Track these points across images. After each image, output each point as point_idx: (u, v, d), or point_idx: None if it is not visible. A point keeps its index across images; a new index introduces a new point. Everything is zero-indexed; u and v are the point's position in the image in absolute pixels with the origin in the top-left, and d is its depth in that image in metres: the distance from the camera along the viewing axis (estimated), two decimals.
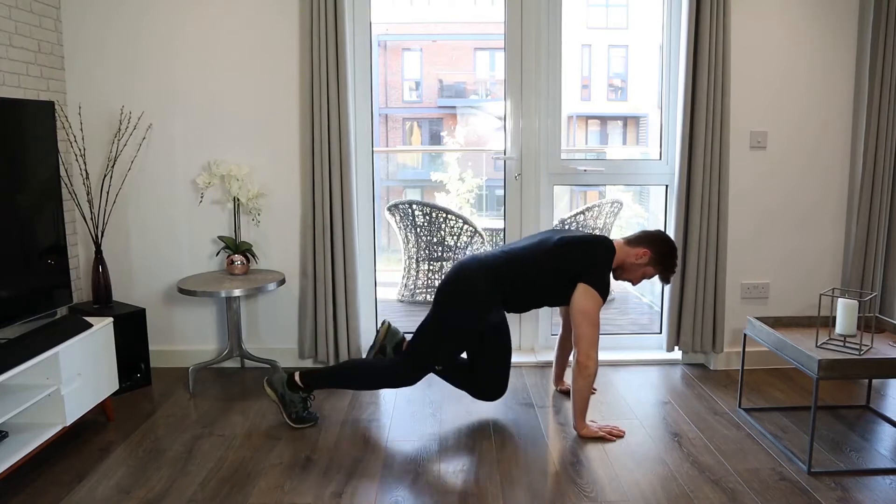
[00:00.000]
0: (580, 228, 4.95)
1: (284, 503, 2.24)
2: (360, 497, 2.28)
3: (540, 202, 3.53)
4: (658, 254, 2.77)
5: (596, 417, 2.89)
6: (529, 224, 3.52)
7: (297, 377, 2.78)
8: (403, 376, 2.74)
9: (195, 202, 3.39)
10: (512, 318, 3.61)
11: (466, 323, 2.70)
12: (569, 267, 2.67)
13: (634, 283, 2.85)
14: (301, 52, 3.26)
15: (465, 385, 2.93)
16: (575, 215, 4.94)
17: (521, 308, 2.83)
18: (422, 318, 2.80)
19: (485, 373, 2.88)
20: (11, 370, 2.25)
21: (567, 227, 4.87)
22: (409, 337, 2.86)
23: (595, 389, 3.14)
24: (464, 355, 2.93)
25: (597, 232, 4.97)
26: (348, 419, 2.90)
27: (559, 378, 3.21)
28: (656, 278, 2.86)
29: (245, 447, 2.64)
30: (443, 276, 2.82)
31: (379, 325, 2.96)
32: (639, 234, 2.82)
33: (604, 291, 2.67)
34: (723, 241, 3.31)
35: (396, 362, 2.78)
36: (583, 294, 2.65)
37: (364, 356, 2.91)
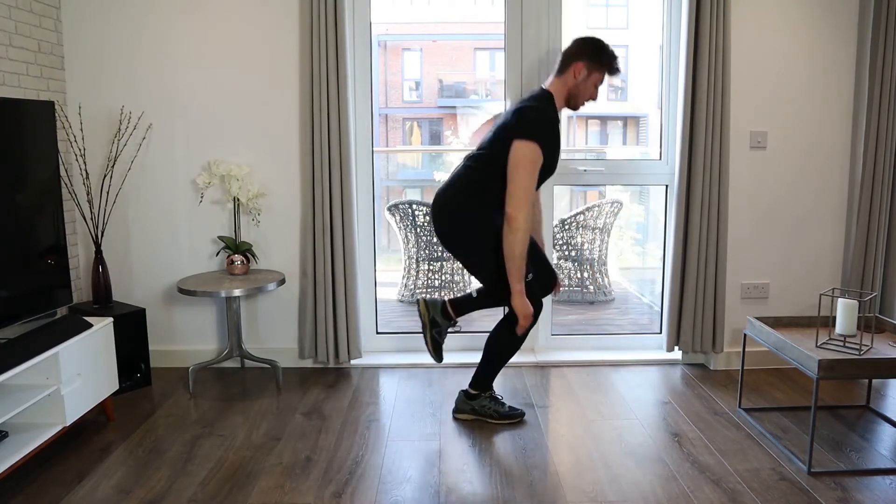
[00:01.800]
0: (576, 222, 4.94)
1: (284, 503, 2.24)
2: (360, 497, 2.28)
3: (540, 202, 3.52)
4: (590, 57, 2.67)
5: (596, 417, 2.89)
6: None
7: (471, 390, 2.87)
8: (519, 305, 2.65)
9: (195, 202, 3.39)
10: None
11: (485, 229, 2.66)
12: (512, 135, 2.58)
13: (594, 98, 2.75)
14: (301, 52, 3.26)
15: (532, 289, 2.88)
16: (575, 215, 4.94)
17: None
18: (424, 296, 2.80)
19: (540, 267, 2.87)
20: (11, 370, 2.25)
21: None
22: (446, 296, 2.90)
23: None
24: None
25: (596, 232, 4.97)
26: (348, 419, 2.90)
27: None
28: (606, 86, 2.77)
29: (245, 447, 2.64)
30: (429, 216, 2.77)
31: (418, 312, 2.92)
32: (562, 57, 2.72)
33: (542, 139, 2.55)
34: (723, 241, 3.31)
35: (510, 315, 2.73)
36: (517, 147, 2.54)
37: (426, 343, 2.91)
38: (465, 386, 2.92)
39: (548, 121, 2.62)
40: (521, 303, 2.64)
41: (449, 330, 2.93)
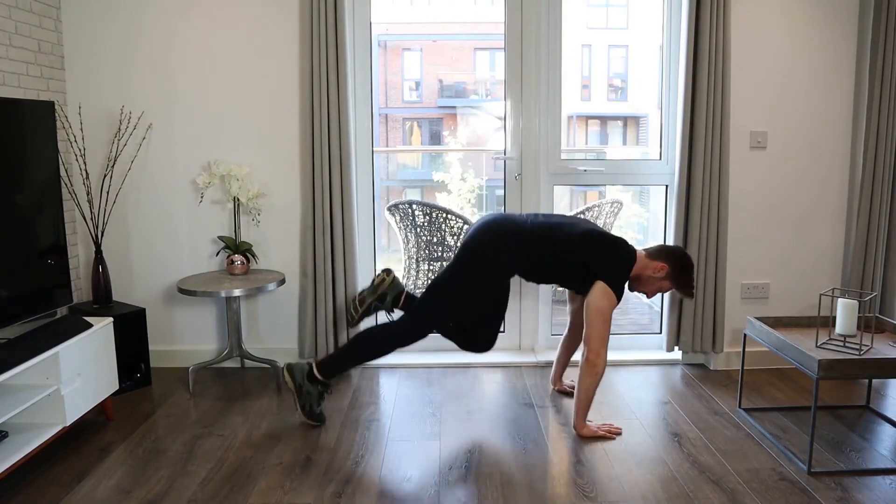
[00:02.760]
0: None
1: (284, 503, 2.24)
2: (360, 497, 2.28)
3: (540, 202, 3.53)
4: (676, 269, 2.79)
5: (596, 418, 2.88)
6: None
7: (315, 370, 2.78)
8: (417, 331, 2.77)
9: (195, 202, 3.39)
10: (512, 319, 3.62)
11: (489, 288, 2.77)
12: (593, 261, 2.70)
13: (649, 295, 2.87)
14: (301, 52, 3.26)
15: (455, 337, 3.00)
16: (575, 215, 4.93)
17: (533, 280, 2.87)
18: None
19: (484, 327, 2.96)
20: (11, 370, 2.25)
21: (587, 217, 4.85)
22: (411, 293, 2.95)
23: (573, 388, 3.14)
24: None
25: None
26: (348, 419, 2.90)
27: (558, 378, 3.21)
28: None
29: (245, 447, 2.64)
30: (472, 232, 2.80)
31: (378, 274, 2.93)
32: (658, 248, 2.85)
33: (619, 293, 2.70)
34: (723, 241, 3.31)
35: (407, 320, 2.79)
36: (601, 292, 2.67)
37: (358, 295, 2.92)
38: (467, 385, 2.92)
39: (625, 282, 2.75)
40: (588, 431, 2.73)
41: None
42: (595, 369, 2.67)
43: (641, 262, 2.79)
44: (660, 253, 2.82)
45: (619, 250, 2.76)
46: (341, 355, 2.84)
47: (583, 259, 2.70)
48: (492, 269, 2.74)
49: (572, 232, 2.73)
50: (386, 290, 2.92)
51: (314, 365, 2.78)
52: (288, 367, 2.81)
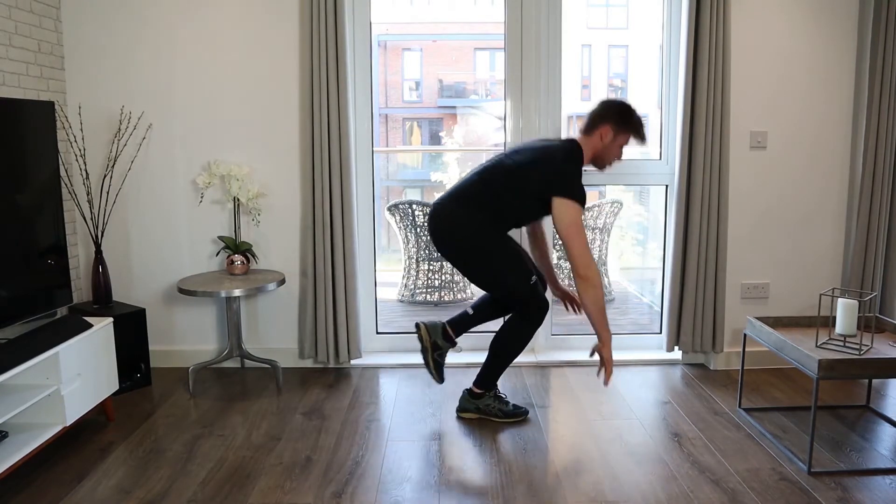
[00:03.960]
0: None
1: (284, 503, 2.24)
2: (360, 497, 2.28)
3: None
4: (618, 122, 2.69)
5: (596, 417, 2.89)
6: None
7: (476, 389, 2.86)
8: (533, 314, 2.74)
9: (195, 202, 3.39)
10: None
11: (492, 243, 2.70)
12: (539, 189, 2.64)
13: (620, 158, 2.78)
14: (301, 52, 3.26)
15: (492, 315, 2.95)
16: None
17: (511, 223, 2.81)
18: (421, 319, 2.81)
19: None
20: (11, 370, 2.25)
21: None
22: (445, 318, 2.93)
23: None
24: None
25: (597, 232, 4.97)
26: (348, 419, 2.90)
27: (553, 283, 3.11)
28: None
29: (245, 447, 2.64)
30: (427, 227, 2.81)
31: (419, 336, 2.92)
32: (589, 118, 2.74)
33: (580, 197, 2.62)
34: (723, 241, 3.31)
35: (517, 315, 2.77)
36: (563, 208, 2.60)
37: (425, 364, 2.92)
38: (467, 385, 2.92)
39: (581, 181, 2.67)
40: (608, 353, 2.70)
41: (449, 352, 2.93)
42: (591, 281, 2.60)
43: (587, 143, 2.71)
44: (594, 120, 2.72)
45: (554, 162, 2.66)
46: (490, 367, 2.84)
47: (529, 190, 2.65)
48: (472, 232, 2.69)
49: (504, 173, 2.69)
50: (432, 339, 2.88)
51: (474, 388, 2.87)
52: (459, 409, 2.91)
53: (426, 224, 4.73)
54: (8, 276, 2.52)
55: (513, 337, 2.80)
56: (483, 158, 3.04)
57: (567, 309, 3.10)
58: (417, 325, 2.90)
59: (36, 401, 2.39)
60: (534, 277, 2.74)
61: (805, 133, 3.39)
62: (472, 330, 2.94)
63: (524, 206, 2.71)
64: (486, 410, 2.86)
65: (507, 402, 2.89)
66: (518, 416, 2.87)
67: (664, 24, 3.41)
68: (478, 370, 2.87)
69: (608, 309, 4.94)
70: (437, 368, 2.90)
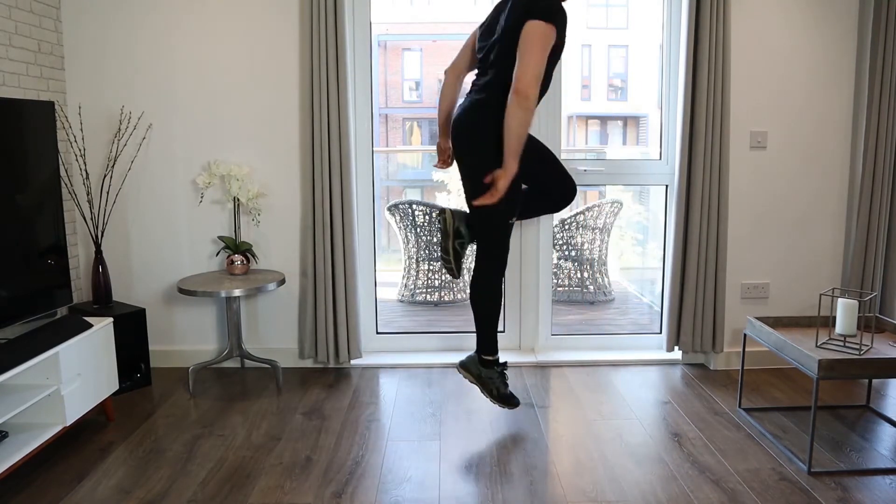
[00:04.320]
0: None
1: (284, 503, 2.24)
2: (360, 497, 2.28)
3: None
4: None
5: (596, 417, 2.89)
6: (530, 224, 3.52)
7: (484, 356, 2.80)
8: (500, 255, 2.71)
9: (195, 202, 3.39)
10: (512, 318, 3.62)
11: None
12: (515, 24, 2.50)
13: None
14: (301, 52, 3.26)
15: (539, 208, 2.91)
16: (575, 215, 4.94)
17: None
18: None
19: (551, 181, 2.82)
20: (11, 370, 2.25)
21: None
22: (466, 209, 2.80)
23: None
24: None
25: (597, 232, 4.97)
26: (348, 419, 2.90)
27: (445, 133, 2.92)
28: None
29: (245, 447, 2.64)
30: (451, 140, 2.69)
31: (437, 216, 2.81)
32: None
33: (553, 15, 2.48)
34: (723, 241, 3.31)
35: (484, 257, 2.71)
36: (530, 28, 2.45)
37: (441, 249, 2.80)
38: (467, 383, 2.91)
39: (558, 1, 2.54)
40: (504, 184, 2.52)
41: (506, 374, 2.87)
42: (528, 102, 2.44)
43: None
44: None
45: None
46: (479, 328, 2.81)
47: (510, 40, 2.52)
48: (491, 152, 2.58)
49: (498, 47, 2.58)
50: (456, 225, 2.77)
51: (478, 354, 2.81)
52: (462, 364, 2.84)
53: (428, 222, 4.72)
54: (8, 276, 2.52)
55: (484, 283, 2.75)
56: None
57: (437, 163, 2.97)
58: (442, 210, 2.79)
59: (36, 401, 2.39)
60: (514, 218, 2.73)
61: (805, 133, 3.39)
62: (465, 330, 2.90)
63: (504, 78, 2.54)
64: (485, 382, 2.81)
65: (507, 385, 2.85)
66: (509, 403, 2.83)
67: (664, 24, 3.41)
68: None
69: (608, 309, 4.98)
70: (455, 259, 2.76)
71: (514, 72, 2.47)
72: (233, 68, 3.30)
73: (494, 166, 2.56)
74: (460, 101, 2.79)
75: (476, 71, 2.78)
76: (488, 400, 2.85)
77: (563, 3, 2.60)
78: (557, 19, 2.51)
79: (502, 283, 2.80)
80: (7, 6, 2.85)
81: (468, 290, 2.79)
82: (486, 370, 2.82)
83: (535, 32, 2.46)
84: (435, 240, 4.80)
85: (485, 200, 2.56)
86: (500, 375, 2.84)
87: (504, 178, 2.53)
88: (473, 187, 2.68)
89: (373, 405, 3.05)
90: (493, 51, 2.64)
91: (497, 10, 2.70)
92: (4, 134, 2.50)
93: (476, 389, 3.12)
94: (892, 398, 3.14)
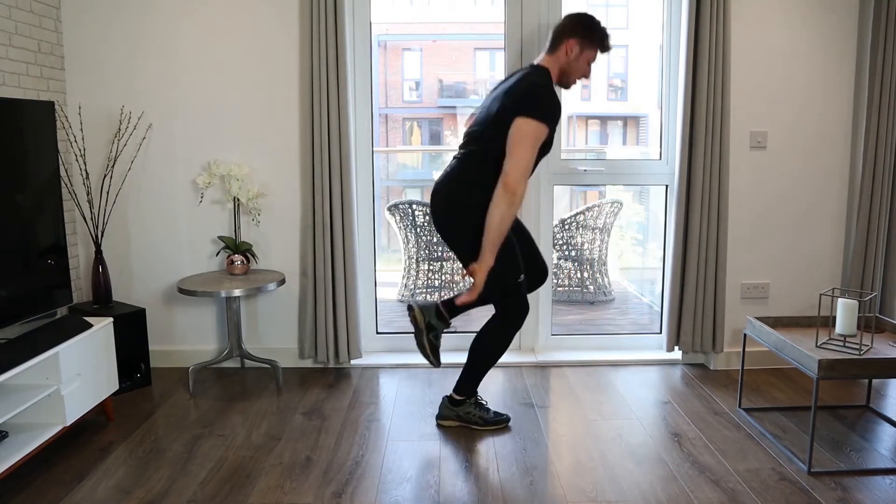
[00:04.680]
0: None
1: (284, 503, 2.24)
2: (360, 497, 2.28)
3: (540, 202, 3.53)
4: (581, 35, 2.59)
5: (596, 417, 2.89)
6: (530, 224, 3.51)
7: (455, 396, 2.80)
8: (515, 316, 2.69)
9: (195, 202, 3.39)
10: None
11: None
12: (502, 120, 2.51)
13: (587, 75, 2.67)
14: (301, 52, 3.26)
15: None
16: (575, 215, 4.94)
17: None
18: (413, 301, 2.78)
19: (528, 260, 2.79)
20: (11, 370, 2.25)
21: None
22: (439, 298, 2.82)
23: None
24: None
25: (597, 232, 4.97)
26: (348, 419, 2.90)
27: None
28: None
29: (245, 447, 2.64)
30: (429, 211, 2.65)
31: (407, 313, 2.83)
32: (553, 35, 2.65)
33: (548, 117, 2.48)
34: (723, 241, 3.31)
35: (500, 323, 2.71)
36: (518, 125, 2.46)
37: (418, 346, 2.83)
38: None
39: (553, 99, 2.53)
40: (481, 279, 2.54)
41: (444, 332, 2.86)
42: (514, 198, 2.44)
43: (552, 62, 2.61)
44: (557, 37, 2.62)
45: (531, 88, 2.52)
46: (469, 373, 2.78)
47: (490, 134, 2.54)
48: (465, 212, 2.57)
49: (487, 118, 2.58)
50: (426, 320, 2.81)
51: (454, 395, 2.80)
52: (438, 416, 2.84)
53: (428, 222, 4.73)
54: (8, 276, 2.52)
55: (492, 340, 2.73)
56: None
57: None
58: (409, 307, 2.82)
59: (36, 401, 2.39)
60: (522, 276, 2.67)
61: (805, 133, 3.39)
62: (464, 330, 2.90)
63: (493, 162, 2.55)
64: (466, 418, 2.80)
65: (488, 410, 2.82)
66: (499, 423, 2.81)
67: (664, 24, 3.41)
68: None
69: (608, 309, 4.97)
70: (433, 351, 2.79)
71: (504, 166, 2.48)
72: (233, 68, 3.30)
73: (469, 244, 2.57)
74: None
75: (461, 142, 2.74)
76: (484, 430, 2.81)
77: (559, 96, 2.58)
78: (549, 117, 2.50)
79: (513, 337, 2.76)
80: (7, 6, 2.85)
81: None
82: (461, 409, 2.80)
83: (527, 131, 2.46)
84: (435, 239, 4.80)
85: (468, 299, 2.61)
86: (476, 405, 2.81)
87: (481, 272, 2.54)
88: (460, 256, 2.69)
89: (373, 405, 3.05)
90: (482, 129, 2.63)
91: (490, 97, 2.71)
92: (4, 134, 2.50)
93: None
94: (892, 398, 3.14)
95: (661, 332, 3.63)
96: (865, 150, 3.28)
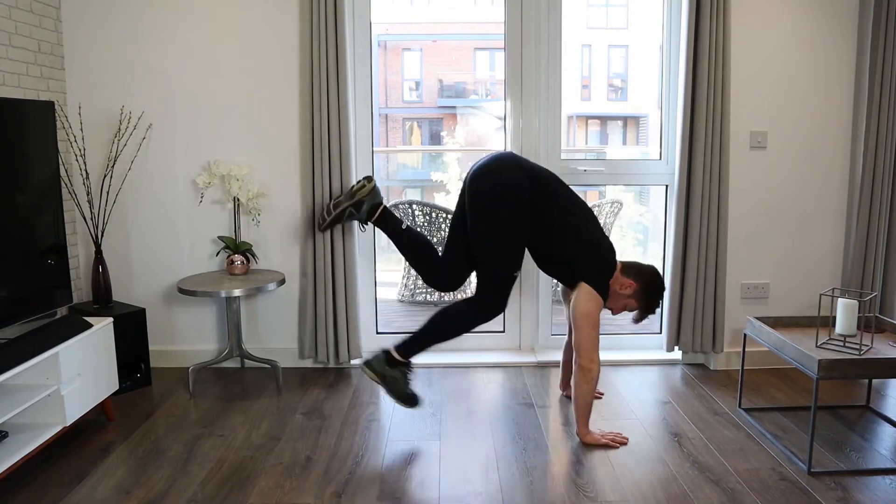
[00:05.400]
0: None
1: (284, 503, 2.24)
2: (360, 497, 2.28)
3: None
4: (644, 290, 2.76)
5: (596, 417, 2.88)
6: None
7: (394, 353, 2.76)
8: (490, 306, 2.73)
9: (195, 202, 3.39)
10: (512, 319, 3.62)
11: (521, 221, 2.67)
12: (578, 262, 2.69)
13: (615, 312, 2.84)
14: (301, 52, 3.26)
15: (423, 262, 2.92)
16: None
17: (537, 246, 2.77)
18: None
19: (457, 266, 2.85)
20: (11, 370, 2.25)
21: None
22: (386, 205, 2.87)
23: (601, 394, 3.13)
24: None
25: None
26: (348, 419, 2.90)
27: (566, 383, 3.15)
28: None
29: (245, 447, 2.64)
30: (477, 174, 2.70)
31: (359, 181, 2.84)
32: (632, 264, 2.80)
33: (604, 294, 2.69)
34: (723, 241, 3.31)
35: (479, 296, 2.74)
36: (586, 295, 2.65)
37: (333, 200, 2.82)
38: (466, 385, 2.90)
39: (607, 286, 2.72)
40: (591, 438, 2.66)
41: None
42: (590, 374, 2.64)
43: (616, 278, 2.76)
44: (631, 270, 2.77)
45: (605, 254, 2.74)
46: (420, 336, 2.77)
47: (569, 255, 2.69)
48: (512, 194, 2.64)
49: (567, 220, 2.71)
50: (364, 198, 2.86)
51: (393, 350, 2.76)
52: (366, 363, 2.79)
53: (428, 222, 4.73)
54: (8, 276, 2.52)
55: (455, 317, 2.75)
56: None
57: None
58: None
59: (36, 401, 2.39)
60: (518, 273, 2.74)
61: (805, 133, 3.39)
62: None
63: (555, 249, 2.73)
64: (388, 382, 2.75)
65: (409, 385, 2.79)
66: (409, 403, 2.79)
67: (664, 24, 3.41)
68: (477, 371, 2.86)
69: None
70: (402, 399, 2.78)
71: (573, 342, 2.68)
72: (233, 68, 3.30)
73: (519, 233, 2.68)
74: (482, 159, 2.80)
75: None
76: (391, 400, 2.81)
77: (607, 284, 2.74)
78: (605, 295, 2.70)
79: (476, 326, 2.77)
80: (7, 6, 2.85)
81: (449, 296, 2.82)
82: (390, 370, 2.77)
83: (589, 310, 2.64)
84: (435, 239, 4.80)
85: (614, 446, 2.65)
86: (404, 375, 2.79)
87: (587, 439, 2.66)
88: (494, 253, 2.70)
89: (373, 405, 3.05)
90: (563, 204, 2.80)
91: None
92: (4, 134, 2.50)
93: (466, 391, 3.12)
94: (892, 398, 3.14)
95: (661, 332, 3.63)
96: (865, 150, 3.27)
